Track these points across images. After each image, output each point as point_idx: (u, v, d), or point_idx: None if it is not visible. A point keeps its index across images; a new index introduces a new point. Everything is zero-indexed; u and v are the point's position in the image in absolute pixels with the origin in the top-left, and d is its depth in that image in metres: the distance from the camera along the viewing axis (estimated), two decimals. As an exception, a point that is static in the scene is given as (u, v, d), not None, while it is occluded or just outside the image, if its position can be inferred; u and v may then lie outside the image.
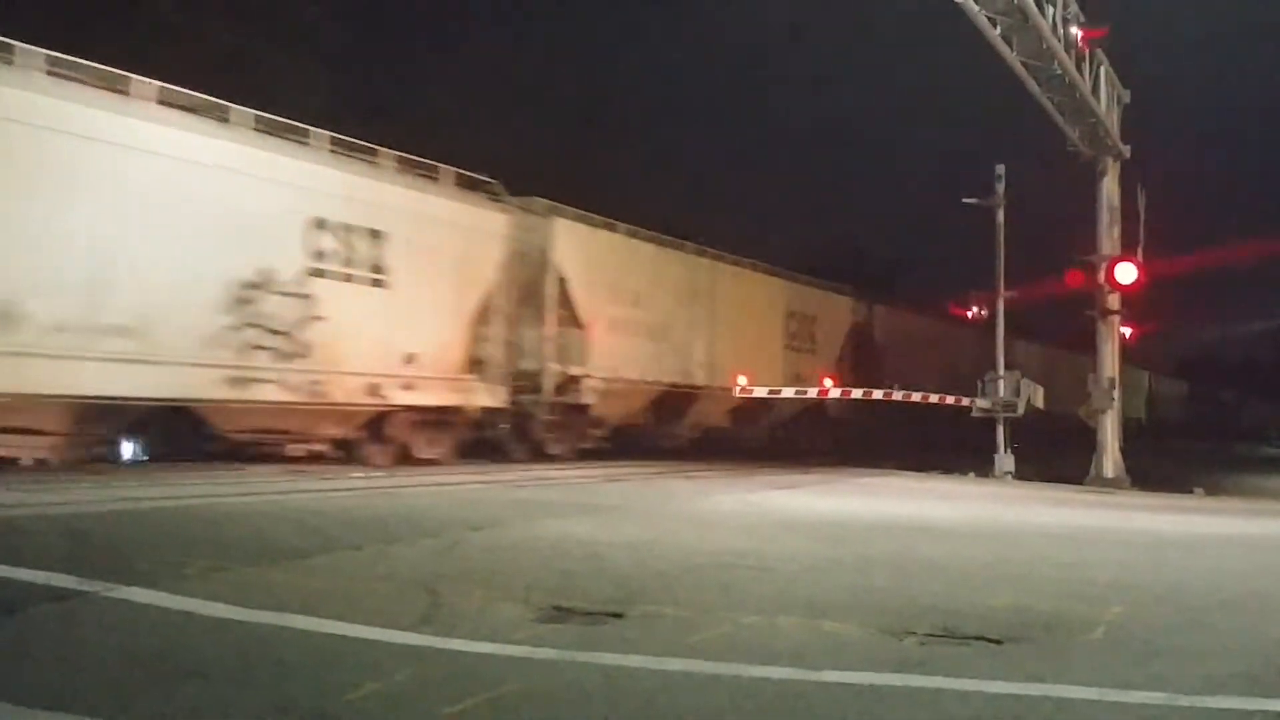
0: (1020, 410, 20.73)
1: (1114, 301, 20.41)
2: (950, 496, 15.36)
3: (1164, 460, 25.83)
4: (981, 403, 21.08)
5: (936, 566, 7.80)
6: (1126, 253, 20.32)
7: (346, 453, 15.53)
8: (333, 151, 15.07)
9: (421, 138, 21.04)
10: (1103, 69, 20.19)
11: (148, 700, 4.06)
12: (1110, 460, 20.19)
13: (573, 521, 9.71)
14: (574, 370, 18.73)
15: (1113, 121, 20.66)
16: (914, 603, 6.21)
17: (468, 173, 17.31)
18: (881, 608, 6.06)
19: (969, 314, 31.53)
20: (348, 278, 15.03)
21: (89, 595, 5.53)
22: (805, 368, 25.60)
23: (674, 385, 21.57)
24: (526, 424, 18.35)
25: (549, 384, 18.35)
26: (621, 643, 5.05)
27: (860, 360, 28.12)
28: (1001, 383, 20.96)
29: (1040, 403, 21.22)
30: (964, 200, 21.72)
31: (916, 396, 23.17)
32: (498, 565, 7.08)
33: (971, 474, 20.20)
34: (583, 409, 19.11)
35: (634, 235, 21.24)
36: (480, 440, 17.72)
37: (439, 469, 15.45)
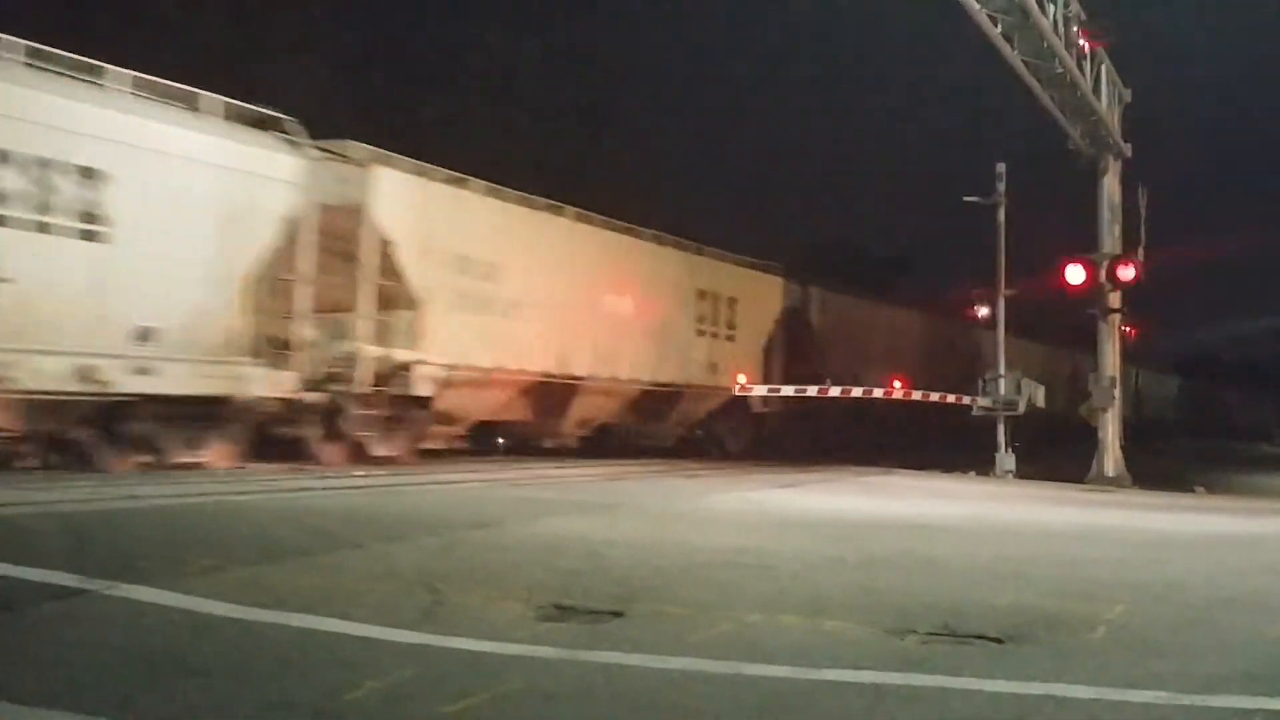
0: (1021, 409, 20.73)
1: (1115, 300, 20.43)
2: (951, 495, 15.37)
3: (1163, 459, 25.82)
4: (983, 401, 21.08)
5: (938, 565, 7.81)
6: (1128, 251, 20.34)
7: (74, 456, 12.29)
8: (28, 65, 11.81)
9: (424, 137, 21.09)
10: (1104, 68, 20.21)
11: (148, 699, 4.06)
12: (1111, 459, 20.21)
13: (574, 520, 9.71)
14: (402, 355, 15.45)
15: (1114, 120, 20.68)
16: (915, 601, 6.21)
17: (249, 106, 14.00)
18: (883, 606, 6.06)
19: (971, 310, 31.32)
20: (41, 227, 11.64)
21: (90, 593, 5.53)
22: (723, 356, 22.49)
23: (548, 375, 18.14)
24: (339, 419, 15.02)
25: (364, 371, 14.97)
26: (623, 641, 5.05)
27: (794, 349, 25.04)
28: (1002, 382, 20.96)
29: (1041, 402, 21.23)
30: (965, 199, 21.73)
31: (917, 395, 23.15)
32: (499, 564, 7.08)
33: (972, 473, 20.21)
34: (420, 402, 15.89)
35: (493, 194, 17.64)
36: (289, 439, 14.61)
37: (440, 467, 15.41)
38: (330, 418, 14.85)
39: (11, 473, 11.31)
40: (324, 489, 11.70)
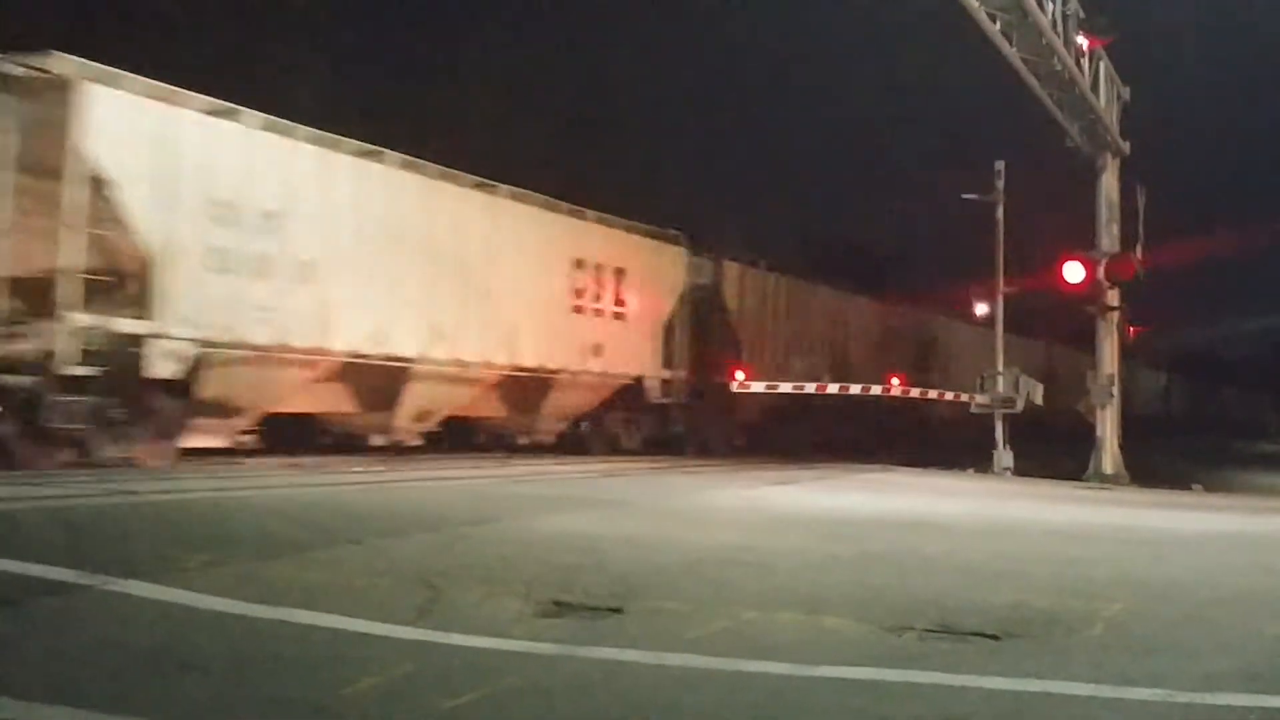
0: (1019, 407, 20.73)
1: (1113, 298, 20.45)
2: (949, 492, 15.37)
3: (1159, 456, 25.83)
4: (981, 399, 21.09)
5: (935, 562, 7.81)
6: (1126, 249, 20.36)
7: None
8: None
9: (423, 135, 21.02)
10: (1102, 65, 20.24)
11: (146, 694, 4.06)
12: (1109, 456, 20.23)
13: (572, 516, 9.71)
14: (127, 326, 12.18)
15: (1112, 118, 20.70)
16: (912, 598, 6.21)
17: None
18: (880, 603, 6.06)
19: (976, 310, 30.93)
20: None
21: (87, 589, 5.53)
22: (609, 337, 19.44)
23: (358, 355, 14.84)
24: (35, 411, 11.76)
25: (66, 346, 11.70)
26: (621, 638, 5.05)
27: (705, 333, 22.04)
28: (1000, 378, 20.97)
29: (1039, 399, 21.23)
30: (963, 196, 21.74)
31: (915, 393, 23.07)
32: (497, 560, 7.08)
33: (971, 470, 20.23)
34: (173, 388, 12.71)
35: (276, 130, 14.15)
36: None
37: (438, 463, 15.39)
38: (30, 407, 11.77)
39: (9, 468, 11.30)
40: (320, 485, 11.70)
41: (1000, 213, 21.34)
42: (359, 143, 15.48)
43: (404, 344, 15.53)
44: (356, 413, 15.73)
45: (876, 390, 22.96)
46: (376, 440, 15.97)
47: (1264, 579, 7.82)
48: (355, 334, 14.80)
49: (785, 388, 22.08)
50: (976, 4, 16.24)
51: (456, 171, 17.00)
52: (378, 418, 15.80)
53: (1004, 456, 20.42)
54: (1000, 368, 21.13)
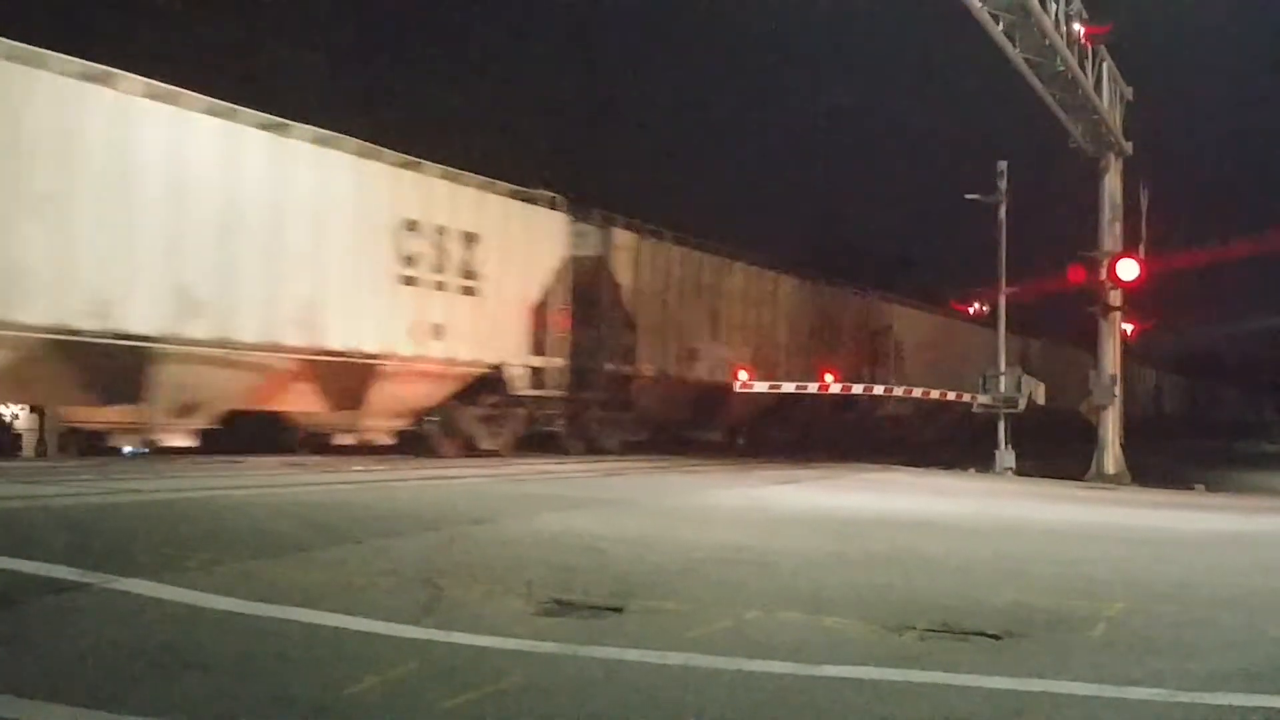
0: (1021, 406, 20.72)
1: (1116, 298, 20.45)
2: (950, 492, 15.37)
3: (1162, 457, 25.82)
4: (983, 398, 21.09)
5: (937, 562, 7.81)
6: (1128, 249, 20.38)
7: None
8: None
9: (422, 133, 21.01)
10: (1105, 65, 20.26)
11: (149, 692, 4.06)
12: (1111, 456, 20.24)
13: (573, 516, 9.71)
14: None
15: (1115, 118, 20.71)
16: (914, 598, 6.21)
17: None
18: (882, 603, 6.06)
19: (970, 309, 30.82)
20: None
21: (89, 587, 5.54)
22: (455, 317, 16.41)
23: (64, 332, 11.86)
24: None
25: None
26: (622, 637, 5.06)
27: (590, 315, 19.17)
28: (1002, 379, 20.96)
29: (1042, 399, 21.22)
30: (966, 197, 21.73)
31: (927, 393, 22.95)
32: (498, 559, 7.08)
33: (972, 470, 20.23)
34: None
35: None
36: None
37: (438, 463, 15.38)
38: None
39: (11, 466, 11.31)
40: (321, 484, 11.70)
41: (1003, 213, 21.35)
42: (81, 62, 12.23)
43: (141, 318, 12.48)
44: (85, 405, 12.89)
45: (879, 390, 22.89)
46: (125, 444, 13.36)
47: (1266, 579, 7.81)
48: (60, 303, 11.79)
49: (788, 388, 21.92)
50: (979, 4, 16.24)
51: (233, 105, 13.77)
52: (120, 412, 12.95)
53: (1005, 457, 20.42)
54: (1003, 367, 21.12)
